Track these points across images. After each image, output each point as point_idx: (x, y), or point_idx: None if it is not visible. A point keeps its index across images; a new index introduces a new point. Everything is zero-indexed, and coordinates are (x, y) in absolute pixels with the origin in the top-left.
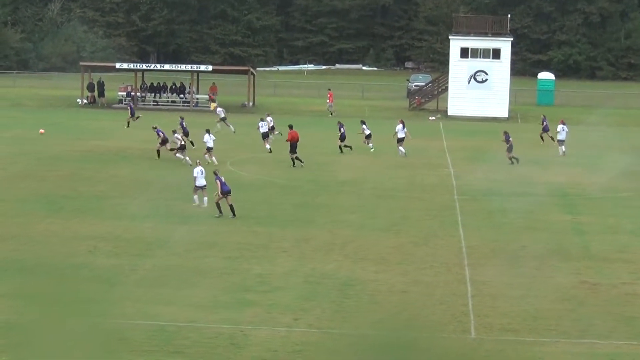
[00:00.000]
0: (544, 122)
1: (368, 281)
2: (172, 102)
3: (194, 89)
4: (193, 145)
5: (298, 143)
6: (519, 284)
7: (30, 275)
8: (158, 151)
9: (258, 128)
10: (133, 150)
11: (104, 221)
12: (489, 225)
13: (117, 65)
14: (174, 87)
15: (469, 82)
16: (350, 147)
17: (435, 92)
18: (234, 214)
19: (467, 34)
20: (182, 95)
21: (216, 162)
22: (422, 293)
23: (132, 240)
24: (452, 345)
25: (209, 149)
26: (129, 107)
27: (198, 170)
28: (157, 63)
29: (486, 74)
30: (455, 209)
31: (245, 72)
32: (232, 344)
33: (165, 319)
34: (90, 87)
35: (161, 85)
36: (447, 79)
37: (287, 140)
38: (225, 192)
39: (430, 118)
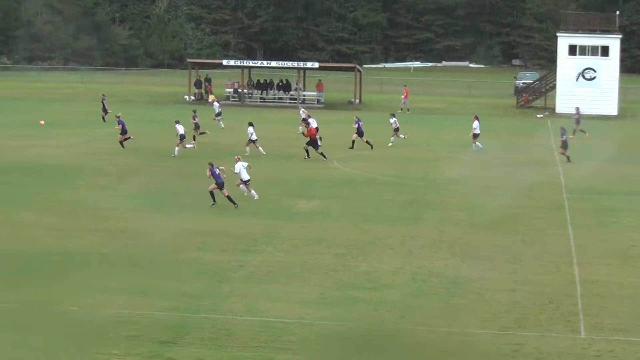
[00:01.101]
0: None
1: (476, 279)
2: (279, 99)
3: (301, 86)
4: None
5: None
6: (629, 284)
7: (140, 270)
8: (121, 142)
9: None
10: (240, 147)
11: (211, 217)
12: (598, 224)
13: (224, 62)
14: (280, 84)
15: (577, 80)
16: (371, 146)
17: (543, 90)
18: (235, 203)
19: (575, 31)
20: (288, 92)
21: (264, 152)
22: (530, 292)
23: (240, 236)
24: (562, 345)
25: (252, 141)
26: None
27: (240, 166)
28: (264, 60)
29: (594, 71)
30: (564, 208)
31: (351, 69)
32: (337, 341)
33: (273, 315)
34: (198, 84)
35: (268, 82)
36: (555, 76)
37: (305, 135)
38: (220, 185)
39: (537, 116)
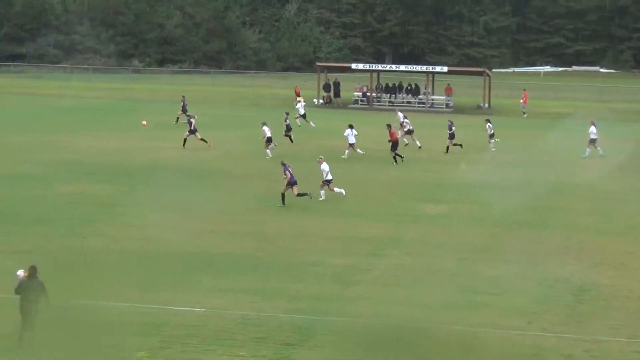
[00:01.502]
0: None
1: (604, 286)
2: (407, 102)
3: (429, 90)
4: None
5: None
6: None
7: (266, 272)
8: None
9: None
10: (366, 150)
11: (336, 219)
12: None
13: (353, 65)
14: (409, 87)
15: None
16: (461, 145)
17: None
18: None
19: None
20: (417, 96)
21: (361, 152)
22: None
23: (366, 240)
24: None
25: (351, 145)
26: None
27: (326, 166)
28: (392, 64)
29: None
30: None
31: (480, 74)
32: (463, 345)
33: (396, 318)
34: (327, 87)
35: (396, 85)
36: None
37: (389, 141)
38: (292, 183)
39: None
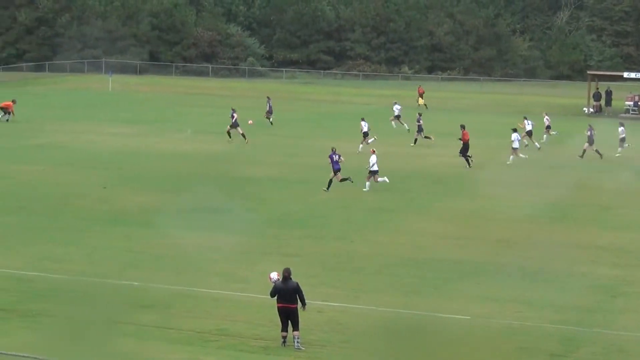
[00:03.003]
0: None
1: None
2: None
3: None
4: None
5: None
6: None
7: (531, 281)
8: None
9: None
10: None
11: (606, 231)
12: None
13: (625, 74)
14: None
15: None
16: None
17: None
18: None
19: None
20: None
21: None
22: None
23: (635, 251)
24: None
25: (514, 149)
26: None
27: (374, 158)
28: None
29: None
30: None
31: None
32: None
33: None
34: (596, 96)
35: None
36: None
37: (459, 139)
38: (336, 170)
39: None
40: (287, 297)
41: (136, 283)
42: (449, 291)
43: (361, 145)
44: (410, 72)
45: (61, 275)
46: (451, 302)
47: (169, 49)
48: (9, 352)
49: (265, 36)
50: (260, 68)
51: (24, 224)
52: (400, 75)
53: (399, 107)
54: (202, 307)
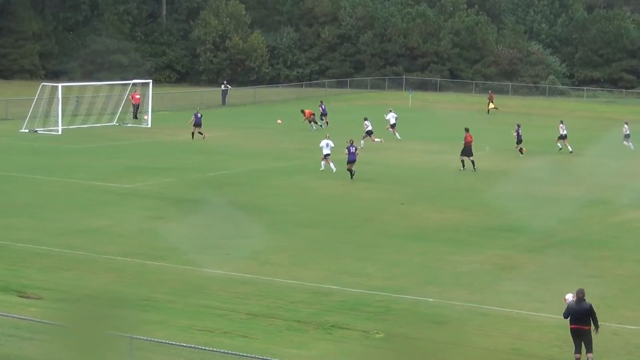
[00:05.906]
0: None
1: None
2: None
3: None
4: None
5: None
6: None
7: None
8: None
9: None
10: None
11: None
12: None
13: None
14: None
15: None
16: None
17: None
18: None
19: None
20: None
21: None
22: None
23: None
24: None
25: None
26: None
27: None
28: None
29: None
30: None
31: None
32: None
33: None
34: None
35: None
36: None
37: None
38: (350, 161)
39: None
40: (580, 318)
41: (431, 299)
42: None
43: (362, 141)
44: None
45: (358, 290)
46: None
47: (469, 67)
48: None
49: (566, 54)
50: (560, 86)
51: (324, 238)
52: None
53: (394, 114)
54: (496, 325)
